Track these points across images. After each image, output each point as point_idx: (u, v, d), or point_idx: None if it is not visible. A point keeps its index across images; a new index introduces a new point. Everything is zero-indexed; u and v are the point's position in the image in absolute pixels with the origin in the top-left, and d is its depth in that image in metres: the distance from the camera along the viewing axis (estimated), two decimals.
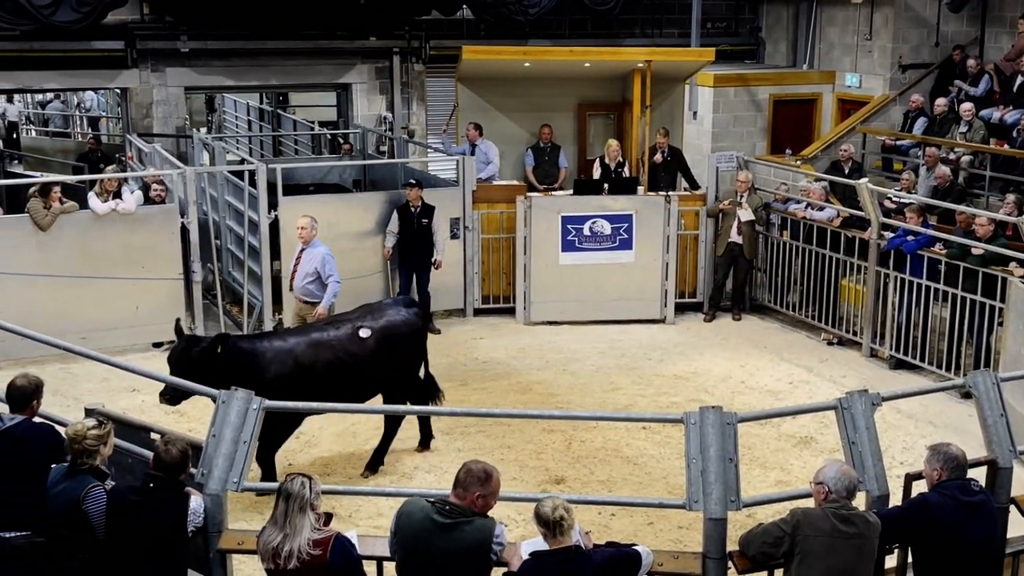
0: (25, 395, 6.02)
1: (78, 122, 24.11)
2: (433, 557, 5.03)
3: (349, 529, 5.59)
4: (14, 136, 22.71)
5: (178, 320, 8.64)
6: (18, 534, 5.87)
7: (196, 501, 5.42)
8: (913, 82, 16.74)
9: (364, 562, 5.27)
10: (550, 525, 4.89)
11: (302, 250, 10.64)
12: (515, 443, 9.61)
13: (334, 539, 4.99)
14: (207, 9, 15.57)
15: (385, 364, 8.83)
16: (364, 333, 8.72)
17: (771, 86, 17.83)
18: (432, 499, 5.14)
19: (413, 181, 12.54)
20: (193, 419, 9.62)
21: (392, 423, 9.19)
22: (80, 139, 22.74)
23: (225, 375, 7.40)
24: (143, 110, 16.22)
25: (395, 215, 12.51)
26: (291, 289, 10.94)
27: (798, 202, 13.36)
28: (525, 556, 5.04)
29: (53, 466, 5.72)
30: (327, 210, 12.59)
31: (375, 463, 9.15)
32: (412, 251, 12.50)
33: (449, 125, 15.26)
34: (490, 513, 5.17)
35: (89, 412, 6.14)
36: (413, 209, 12.43)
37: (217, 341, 8.10)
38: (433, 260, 12.50)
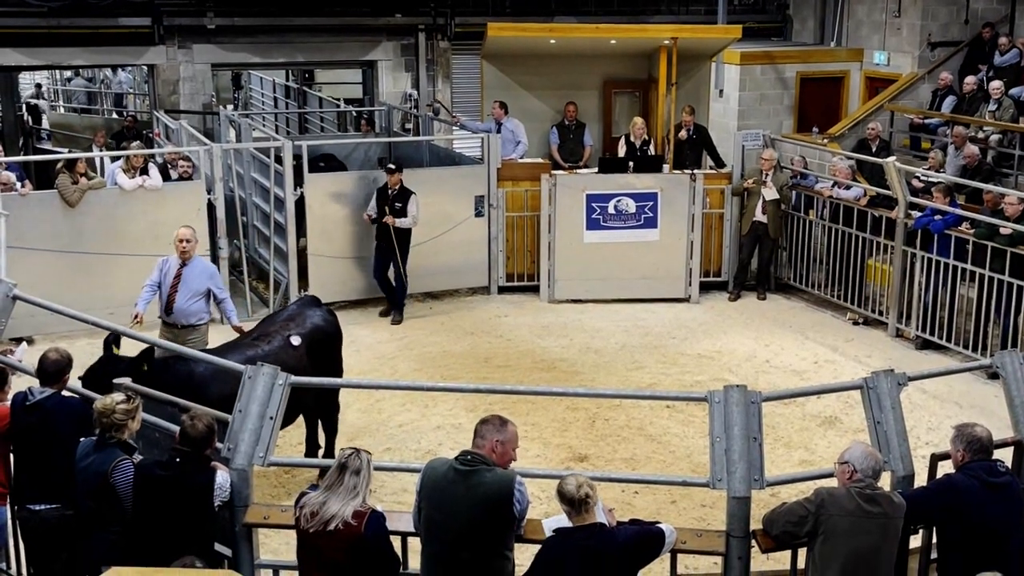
0: (59, 369, 6.12)
1: (103, 99, 24.23)
2: (455, 505, 5.06)
3: (375, 504, 5.63)
4: (35, 116, 22.82)
5: (111, 335, 7.27)
6: (48, 507, 5.97)
7: (222, 476, 5.46)
8: (942, 60, 16.58)
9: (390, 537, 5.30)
10: (574, 503, 4.91)
11: (182, 266, 9.32)
12: (539, 421, 9.63)
13: (370, 513, 5.04)
14: None
15: (320, 369, 8.35)
16: (296, 341, 8.25)
17: (798, 64, 17.71)
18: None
19: (392, 167, 12.24)
20: None
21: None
22: (107, 116, 22.86)
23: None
24: (170, 87, 16.30)
25: (375, 195, 12.22)
26: (167, 313, 9.34)
27: (816, 179, 13.29)
28: (549, 533, 5.07)
29: (81, 439, 5.79)
30: (349, 186, 12.60)
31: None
32: (383, 234, 12.16)
33: (454, 116, 15.24)
34: None
35: (117, 386, 6.19)
36: (390, 192, 12.12)
37: (141, 360, 7.10)
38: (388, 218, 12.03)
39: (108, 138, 17.33)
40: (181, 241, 9.33)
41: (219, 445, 5.61)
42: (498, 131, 13.78)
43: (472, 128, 14.70)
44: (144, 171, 11.90)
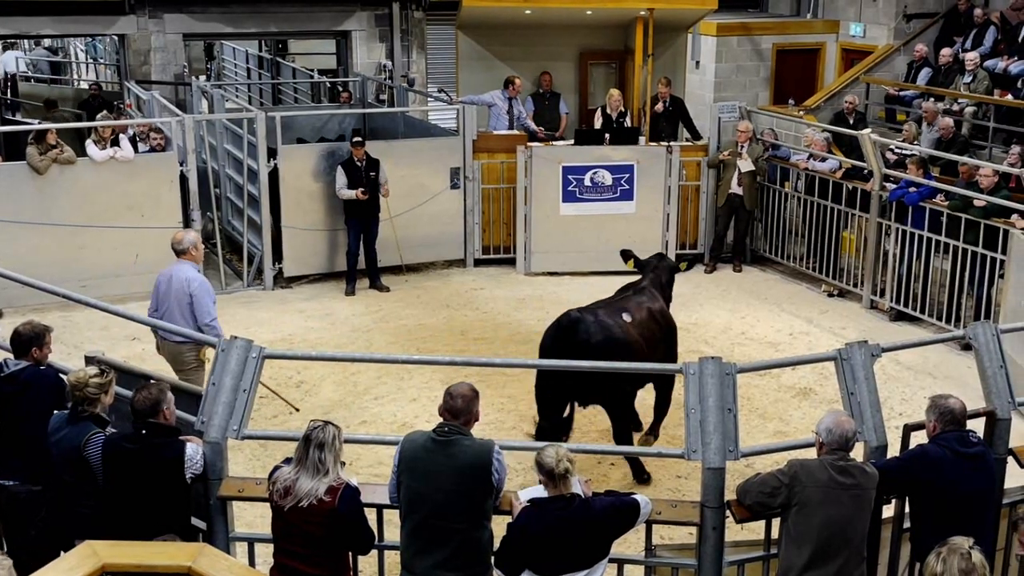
0: (23, 342, 6.08)
1: (73, 70, 23.91)
2: (435, 474, 5.07)
3: (350, 477, 5.62)
4: (8, 85, 22.49)
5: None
6: (15, 483, 5.94)
7: (193, 448, 5.41)
8: (917, 32, 16.58)
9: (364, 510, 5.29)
10: (553, 476, 4.92)
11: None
12: (515, 393, 9.63)
13: (344, 488, 5.02)
14: None
15: None
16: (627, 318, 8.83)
17: (774, 35, 17.70)
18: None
19: (358, 140, 12.12)
20: None
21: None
22: (78, 87, 22.57)
23: None
24: (141, 57, 16.09)
25: (340, 171, 12.06)
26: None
27: (790, 151, 13.29)
28: (525, 503, 5.07)
29: (55, 412, 5.74)
30: (323, 158, 12.48)
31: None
32: (360, 207, 12.07)
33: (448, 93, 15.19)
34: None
35: (89, 360, 6.14)
36: (359, 163, 12.02)
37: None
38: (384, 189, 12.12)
39: (75, 107, 17.11)
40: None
41: (191, 418, 5.57)
42: (510, 107, 13.72)
43: (476, 100, 14.36)
44: (115, 142, 11.77)
